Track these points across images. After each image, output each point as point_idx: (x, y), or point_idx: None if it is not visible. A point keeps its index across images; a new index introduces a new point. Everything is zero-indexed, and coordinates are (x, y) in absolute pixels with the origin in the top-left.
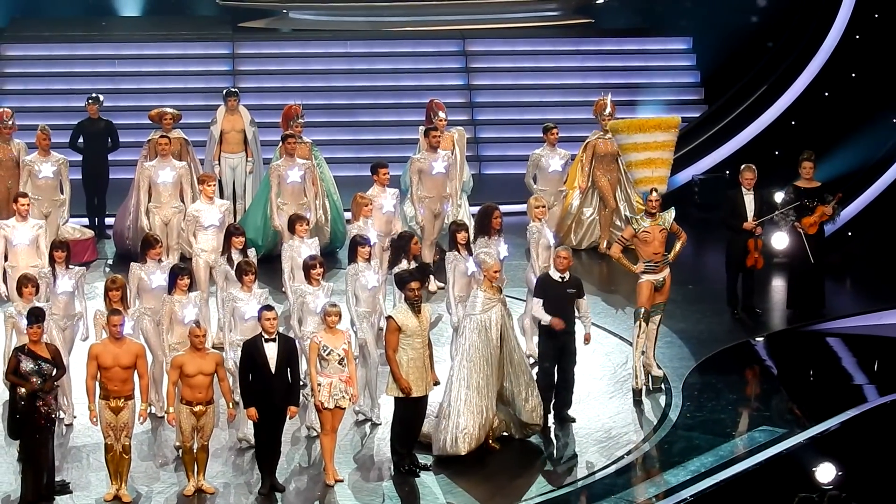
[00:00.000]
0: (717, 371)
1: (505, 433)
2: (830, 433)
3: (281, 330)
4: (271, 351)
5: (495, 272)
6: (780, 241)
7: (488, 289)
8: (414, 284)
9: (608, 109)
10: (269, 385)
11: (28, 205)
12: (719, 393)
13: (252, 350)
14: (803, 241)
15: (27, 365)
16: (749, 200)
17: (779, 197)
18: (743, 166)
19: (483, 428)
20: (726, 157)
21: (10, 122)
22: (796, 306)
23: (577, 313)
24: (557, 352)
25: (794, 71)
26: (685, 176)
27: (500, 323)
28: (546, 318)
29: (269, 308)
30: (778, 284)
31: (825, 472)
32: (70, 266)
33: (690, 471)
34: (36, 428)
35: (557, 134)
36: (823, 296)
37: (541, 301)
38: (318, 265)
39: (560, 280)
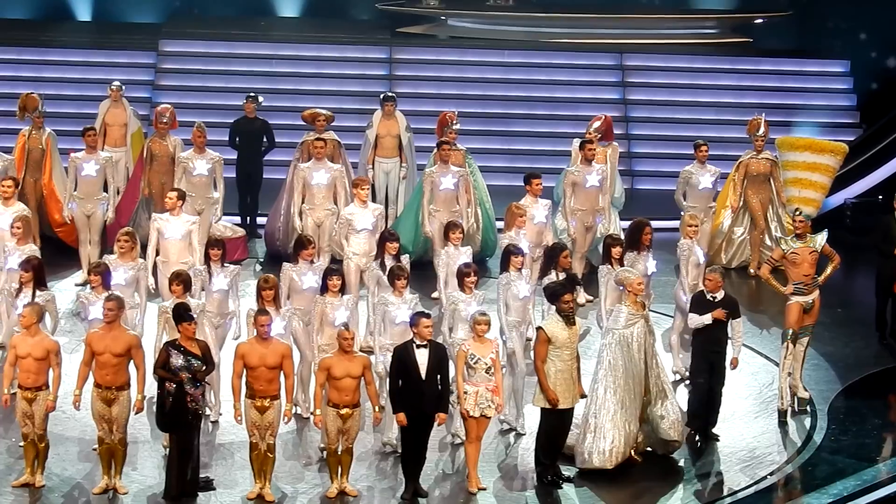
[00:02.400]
0: (864, 395)
1: (648, 448)
2: None
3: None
4: (422, 357)
5: (638, 286)
6: None
7: (632, 304)
8: (567, 297)
9: (762, 129)
10: (419, 391)
11: (174, 199)
12: (864, 417)
13: (403, 355)
14: None
15: (177, 360)
16: None
17: None
18: None
19: (627, 443)
20: (880, 181)
21: (167, 119)
22: None
23: (729, 333)
24: (709, 366)
25: None
26: (838, 199)
27: (642, 338)
28: (707, 318)
29: (426, 315)
30: None
31: None
32: (225, 264)
33: (832, 494)
34: (182, 423)
35: (707, 151)
36: None
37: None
38: (472, 273)
39: (712, 300)
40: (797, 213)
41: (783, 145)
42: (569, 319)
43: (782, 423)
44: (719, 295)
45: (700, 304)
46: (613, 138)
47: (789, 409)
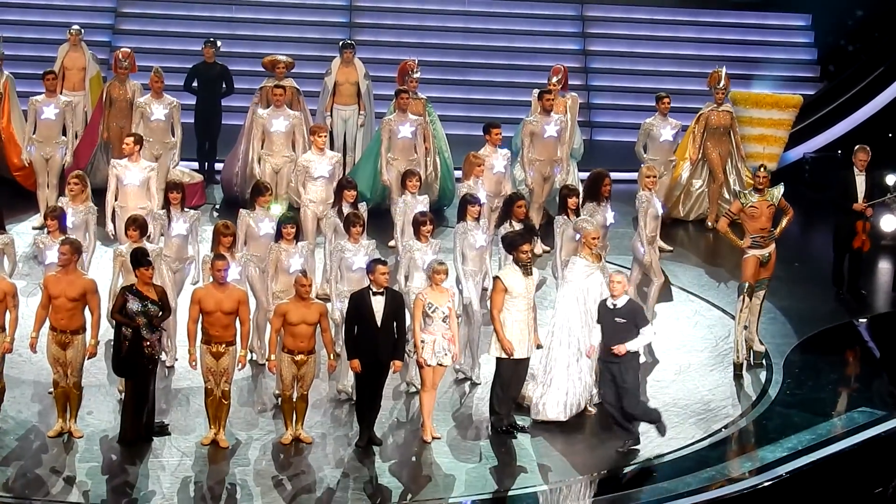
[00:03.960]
0: (819, 350)
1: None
2: None
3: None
4: (378, 304)
5: (594, 238)
6: (889, 223)
7: (588, 255)
8: (525, 247)
9: (722, 82)
10: (375, 338)
11: (130, 144)
12: (820, 372)
13: (359, 302)
14: None
15: (134, 305)
16: (860, 181)
17: (891, 179)
18: (857, 147)
19: (583, 395)
20: (839, 136)
21: (127, 63)
22: None
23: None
24: (611, 377)
25: None
26: (797, 153)
27: (598, 290)
28: (638, 344)
29: (382, 262)
30: (884, 267)
31: None
32: (185, 209)
33: (787, 448)
34: (138, 368)
35: (669, 104)
36: None
37: (598, 327)
38: (428, 222)
39: (612, 307)
40: (761, 168)
41: (741, 101)
42: (526, 269)
43: (737, 377)
44: (620, 302)
45: (599, 311)
46: (568, 88)
47: (745, 363)
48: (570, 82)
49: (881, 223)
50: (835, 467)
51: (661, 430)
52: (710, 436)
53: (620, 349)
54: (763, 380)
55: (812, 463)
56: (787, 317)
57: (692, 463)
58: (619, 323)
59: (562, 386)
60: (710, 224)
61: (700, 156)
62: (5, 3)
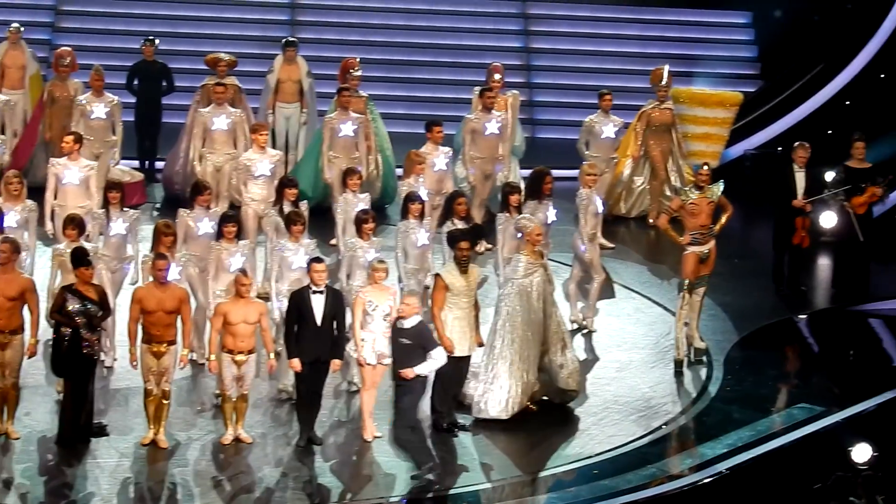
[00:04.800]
0: (759, 346)
1: (545, 398)
2: (868, 414)
3: (328, 283)
4: (318, 303)
5: (537, 236)
6: (828, 220)
7: (530, 253)
8: (464, 244)
9: (665, 80)
10: (314, 337)
11: (70, 143)
12: (760, 368)
13: (299, 301)
14: (852, 221)
15: (73, 304)
16: (800, 178)
17: (830, 176)
18: (796, 144)
19: (525, 392)
20: (779, 133)
21: (68, 62)
22: (841, 286)
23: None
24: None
25: (852, 51)
26: (737, 150)
27: (541, 288)
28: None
29: (318, 260)
30: (824, 263)
31: (862, 453)
32: (124, 208)
33: (726, 444)
34: (78, 368)
35: (611, 101)
36: (868, 277)
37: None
38: (370, 220)
39: (400, 328)
40: (704, 166)
41: (686, 99)
42: (461, 266)
43: (678, 374)
44: (409, 323)
45: (392, 331)
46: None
47: (685, 360)
48: (513, 80)
49: (820, 219)
50: (775, 463)
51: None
52: (650, 433)
53: (408, 373)
54: (703, 376)
55: (752, 459)
56: (728, 313)
57: (633, 460)
58: (405, 344)
59: (504, 384)
60: (651, 221)
61: (642, 153)
62: None
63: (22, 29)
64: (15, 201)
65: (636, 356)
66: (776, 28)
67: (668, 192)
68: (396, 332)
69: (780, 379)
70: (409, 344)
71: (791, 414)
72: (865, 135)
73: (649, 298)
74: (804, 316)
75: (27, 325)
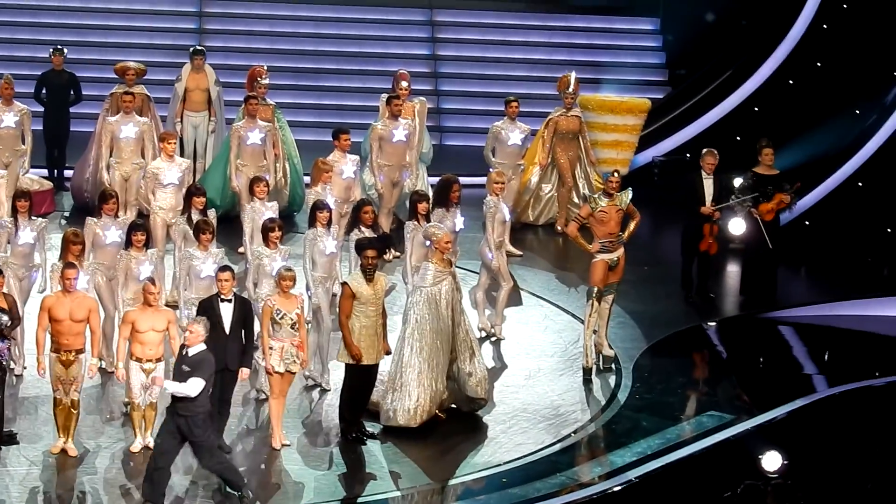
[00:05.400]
0: (669, 354)
1: (453, 406)
2: (778, 422)
3: (236, 291)
4: (227, 311)
5: (446, 244)
6: (737, 226)
7: (439, 261)
8: (370, 252)
9: (572, 87)
10: (223, 345)
11: None
12: (669, 376)
13: (208, 309)
14: (760, 228)
15: None
16: (708, 185)
17: (738, 182)
18: (704, 150)
19: (433, 400)
20: (688, 139)
21: None
22: (749, 293)
23: None
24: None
25: (760, 57)
26: (646, 157)
27: (449, 296)
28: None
29: (225, 268)
30: (733, 270)
31: (771, 461)
32: (32, 217)
33: (636, 452)
34: None
35: (518, 108)
36: (776, 284)
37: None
38: (276, 228)
39: (184, 355)
40: (614, 173)
41: (595, 107)
42: (368, 275)
43: (587, 381)
44: (193, 351)
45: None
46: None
47: (594, 367)
48: (420, 87)
49: (729, 226)
50: (684, 471)
51: (244, 498)
52: (559, 441)
53: (157, 380)
54: (612, 384)
55: (662, 467)
56: (637, 321)
57: (542, 468)
58: (185, 371)
59: (412, 393)
60: (559, 228)
61: (549, 160)
62: None
63: None
64: None
65: (544, 364)
66: (684, 34)
67: (576, 200)
68: (180, 359)
69: (689, 386)
70: (189, 372)
71: (700, 422)
72: (773, 141)
73: (557, 306)
74: (713, 323)
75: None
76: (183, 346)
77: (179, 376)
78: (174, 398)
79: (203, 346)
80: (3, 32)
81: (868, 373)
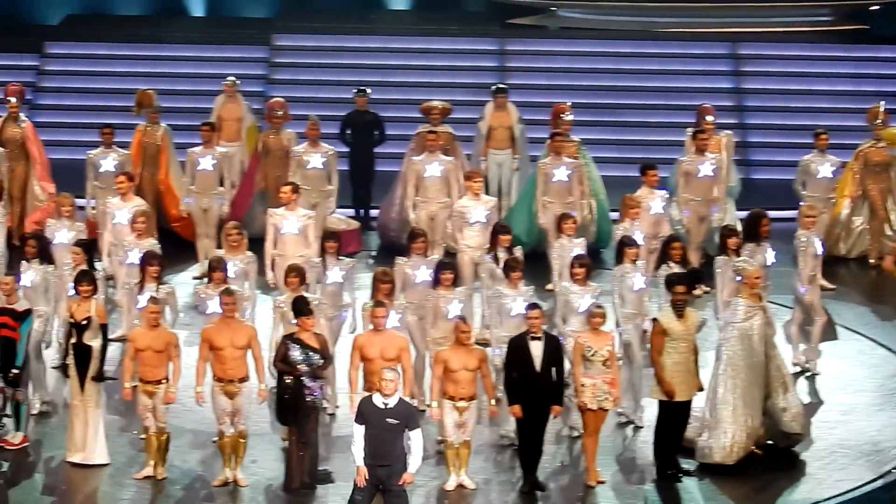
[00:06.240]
0: None
1: (770, 441)
2: None
3: (545, 328)
4: (537, 349)
5: (755, 279)
6: None
7: (749, 297)
8: (680, 288)
9: (881, 118)
10: (534, 383)
11: (288, 193)
12: None
13: (518, 347)
14: None
15: (295, 353)
16: None
17: None
18: None
19: (749, 437)
20: None
21: (281, 112)
22: None
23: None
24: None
25: None
26: None
27: (761, 331)
28: (356, 458)
29: (534, 306)
30: None
31: None
32: (340, 257)
33: None
34: (301, 416)
35: (828, 140)
36: None
37: (362, 429)
38: (585, 265)
39: (382, 406)
40: None
41: (891, 139)
42: (678, 310)
43: None
44: (392, 401)
45: (364, 410)
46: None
47: None
48: (725, 121)
49: None
50: None
51: None
52: (880, 477)
53: (407, 478)
54: None
55: None
56: None
57: None
58: (392, 424)
59: (728, 430)
60: (872, 261)
61: (860, 192)
62: (161, 57)
63: (238, 82)
64: (235, 252)
65: (861, 399)
66: None
67: (888, 232)
68: (381, 412)
69: None
70: (399, 424)
71: None
72: None
73: (873, 340)
74: None
75: (252, 373)
76: (372, 395)
77: (383, 430)
78: (375, 449)
79: (399, 394)
80: (308, 74)
81: None
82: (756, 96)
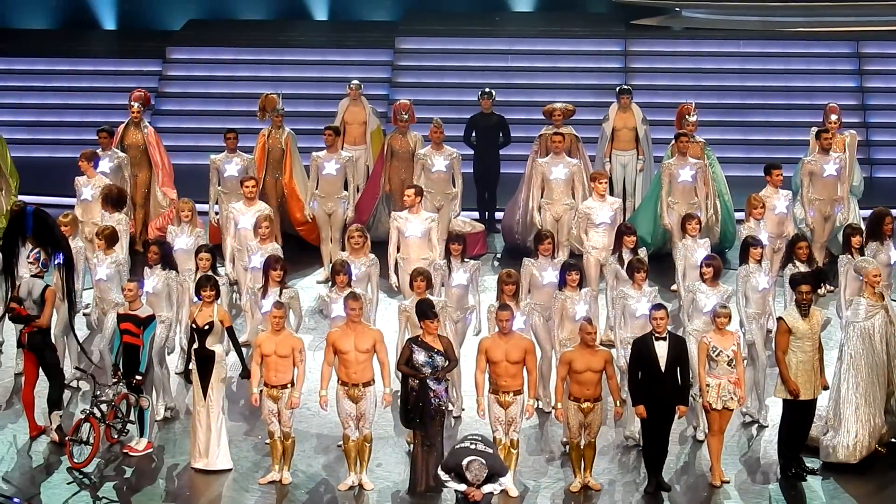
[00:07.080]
0: None
1: (893, 440)
2: None
3: (669, 328)
4: (662, 349)
5: (875, 277)
6: None
7: (871, 295)
8: (804, 287)
9: None
10: (659, 383)
11: (412, 196)
12: None
13: (642, 348)
14: None
15: (419, 356)
16: None
17: None
18: None
19: (872, 436)
20: None
21: (406, 115)
22: None
23: None
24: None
25: None
26: None
27: (883, 329)
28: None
29: (659, 307)
30: None
31: None
32: (465, 259)
33: None
34: (426, 419)
35: None
36: None
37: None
38: (711, 266)
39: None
40: None
41: None
42: (803, 310)
43: None
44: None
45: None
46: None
47: None
48: (848, 120)
49: None
50: None
51: None
52: None
53: (477, 495)
54: None
55: None
56: None
57: None
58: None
59: (851, 427)
60: None
61: None
62: (284, 61)
63: (362, 86)
64: (358, 255)
65: None
66: None
67: None
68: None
69: None
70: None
71: None
72: None
73: None
74: None
75: (378, 377)
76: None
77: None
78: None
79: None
80: (432, 77)
81: None
82: (879, 95)
